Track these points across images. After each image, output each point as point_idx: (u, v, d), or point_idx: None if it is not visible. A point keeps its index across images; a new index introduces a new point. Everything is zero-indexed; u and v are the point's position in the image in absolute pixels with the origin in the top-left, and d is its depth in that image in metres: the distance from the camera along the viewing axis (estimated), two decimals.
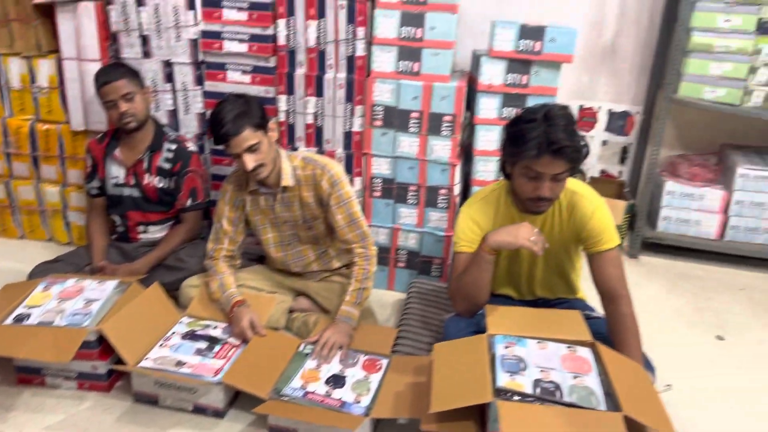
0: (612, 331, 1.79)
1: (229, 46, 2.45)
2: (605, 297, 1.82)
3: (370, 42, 2.36)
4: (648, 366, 1.77)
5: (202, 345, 1.99)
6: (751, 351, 2.34)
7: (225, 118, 1.96)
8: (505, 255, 1.95)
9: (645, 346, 1.80)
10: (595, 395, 1.47)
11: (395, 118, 2.42)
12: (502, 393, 1.47)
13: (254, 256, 2.61)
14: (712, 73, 2.77)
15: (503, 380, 1.51)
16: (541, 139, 1.62)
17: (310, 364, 1.94)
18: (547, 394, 1.47)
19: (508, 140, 1.76)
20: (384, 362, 1.98)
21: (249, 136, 1.98)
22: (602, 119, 3.26)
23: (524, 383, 1.50)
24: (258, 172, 2.04)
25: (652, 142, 3.07)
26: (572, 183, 1.87)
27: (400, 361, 1.99)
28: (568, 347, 1.63)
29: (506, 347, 1.63)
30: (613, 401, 1.46)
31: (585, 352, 1.62)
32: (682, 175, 3.05)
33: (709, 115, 3.01)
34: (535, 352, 1.61)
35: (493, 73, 2.34)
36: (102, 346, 1.90)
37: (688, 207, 3.00)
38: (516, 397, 1.46)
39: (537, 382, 1.50)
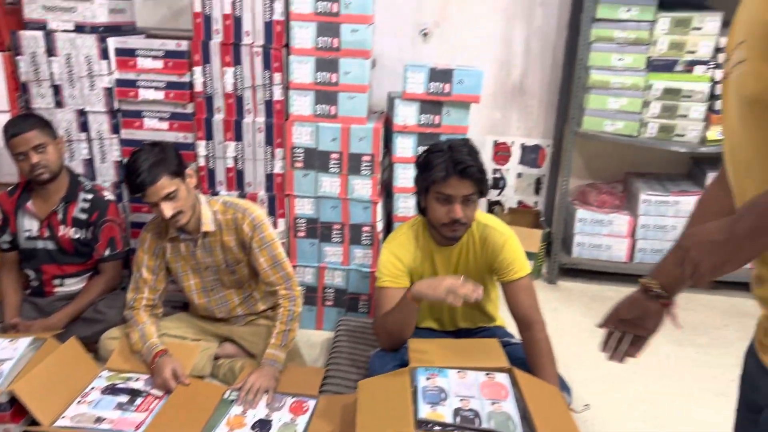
0: (529, 355, 1.87)
1: (145, 93, 2.45)
2: (520, 323, 1.91)
3: (287, 87, 2.41)
4: (564, 387, 1.86)
5: (123, 399, 1.94)
6: (660, 365, 2.48)
7: (140, 168, 1.95)
8: None
9: (563, 367, 1.90)
10: (512, 419, 1.54)
11: (316, 160, 2.47)
12: (423, 424, 1.51)
13: (178, 304, 2.58)
14: (611, 107, 2.99)
15: (424, 411, 1.55)
16: (447, 163, 1.80)
17: (236, 410, 1.93)
18: (466, 422, 1.53)
19: (419, 170, 1.91)
20: (311, 403, 1.99)
21: (166, 184, 1.98)
22: (516, 153, 3.43)
23: (444, 413, 1.55)
24: (177, 220, 2.04)
25: (562, 173, 3.25)
26: (483, 216, 2.00)
27: (327, 400, 2.00)
28: (487, 374, 1.70)
29: (428, 378, 1.67)
30: (528, 425, 1.52)
31: (503, 378, 1.69)
32: (591, 202, 3.23)
33: (611, 146, 3.23)
34: (455, 382, 1.67)
35: (407, 114, 2.44)
36: (14, 408, 1.81)
37: (599, 233, 3.18)
38: (437, 428, 1.50)
39: (457, 411, 1.55)
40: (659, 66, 2.92)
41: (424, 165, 1.87)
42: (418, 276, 1.99)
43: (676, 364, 2.51)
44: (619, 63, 2.93)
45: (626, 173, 3.42)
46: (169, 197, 1.99)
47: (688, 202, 3.08)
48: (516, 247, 1.95)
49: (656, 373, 2.43)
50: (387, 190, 2.72)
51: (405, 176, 2.52)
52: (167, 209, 1.99)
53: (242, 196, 2.54)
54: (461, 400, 1.59)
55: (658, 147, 3.02)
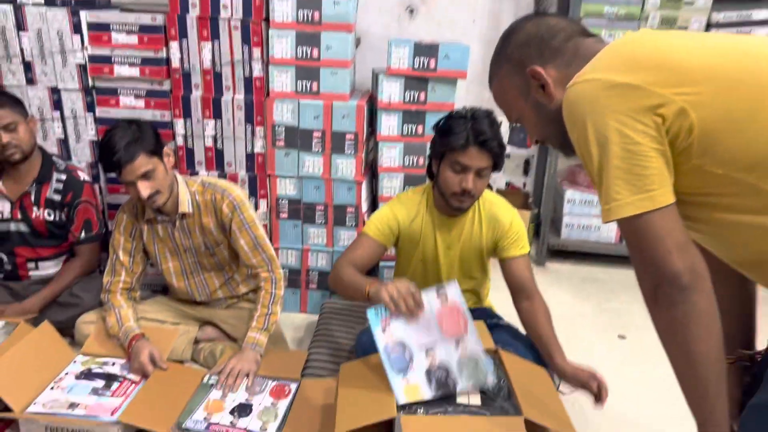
0: (532, 323, 1.86)
1: (120, 70, 2.36)
2: (522, 295, 1.90)
3: (267, 62, 2.34)
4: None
5: (99, 384, 1.88)
6: (650, 348, 2.44)
7: (117, 145, 1.88)
8: (419, 259, 1.99)
9: None
10: (480, 361, 1.50)
11: (297, 138, 2.40)
12: (406, 408, 1.46)
13: (157, 288, 2.51)
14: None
15: (400, 386, 1.50)
16: (469, 132, 1.75)
17: (215, 394, 1.87)
18: (443, 387, 1.50)
19: (437, 135, 1.85)
20: (293, 387, 1.94)
21: (143, 162, 1.90)
22: (505, 133, 3.36)
23: (418, 381, 1.50)
24: (154, 200, 1.97)
25: (551, 153, 3.20)
26: (490, 194, 2.00)
27: (309, 384, 1.95)
28: (437, 293, 1.56)
29: (383, 331, 1.56)
30: (513, 405, 1.48)
31: (454, 295, 1.56)
32: (580, 183, 3.18)
33: None
34: (412, 327, 1.55)
35: (391, 91, 2.37)
36: None
37: (588, 213, 3.14)
38: (420, 410, 1.46)
39: (429, 375, 1.50)
40: None
41: (443, 130, 1.82)
42: (411, 239, 1.96)
43: None
44: (609, 39, 2.86)
45: None
46: (146, 176, 1.92)
47: None
48: (522, 224, 1.97)
49: (652, 357, 2.40)
50: (372, 170, 2.66)
51: (390, 155, 2.45)
52: (144, 189, 1.92)
53: (222, 176, 2.47)
54: (426, 353, 1.53)
55: None
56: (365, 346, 1.83)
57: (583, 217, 3.14)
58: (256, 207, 2.51)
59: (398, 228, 1.95)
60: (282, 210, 2.51)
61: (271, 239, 2.43)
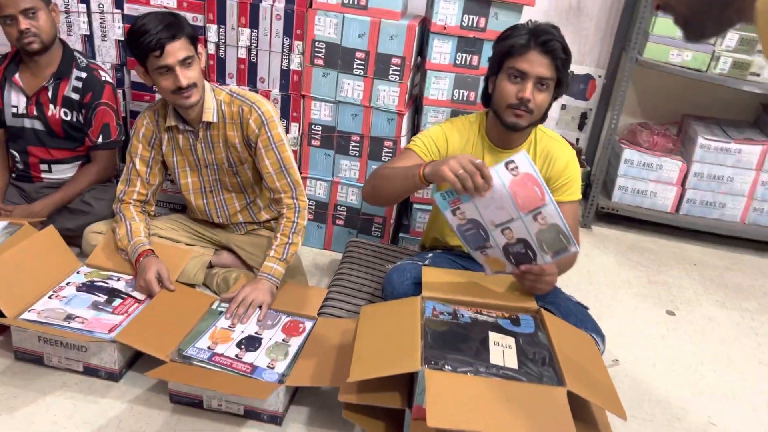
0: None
1: None
2: None
3: None
4: (598, 333, 1.63)
5: (101, 298, 1.74)
6: (700, 327, 2.22)
7: (154, 27, 1.69)
8: None
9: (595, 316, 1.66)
10: (561, 227, 1.40)
11: (338, 57, 2.17)
12: (431, 362, 1.28)
13: (177, 206, 2.36)
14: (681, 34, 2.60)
15: (481, 260, 1.53)
16: (530, 35, 1.60)
17: (224, 323, 1.72)
18: (521, 259, 1.47)
19: (495, 45, 1.69)
20: (308, 325, 1.77)
21: (184, 46, 1.73)
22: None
23: (497, 256, 1.49)
24: (189, 94, 1.77)
25: (612, 108, 2.91)
26: (549, 130, 1.81)
27: (326, 324, 1.79)
28: (506, 167, 1.37)
29: (454, 213, 1.45)
30: (555, 372, 1.29)
31: (525, 165, 1.38)
32: (641, 143, 2.90)
33: (673, 81, 2.87)
34: (483, 204, 1.41)
35: (448, 13, 2.11)
36: None
37: (646, 177, 2.86)
38: (447, 366, 1.27)
39: (507, 251, 1.47)
40: None
41: (502, 37, 1.66)
42: None
43: (719, 327, 2.24)
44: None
45: (684, 115, 3.07)
46: (185, 63, 1.73)
47: (752, 152, 2.74)
48: (578, 167, 1.78)
49: (695, 334, 2.18)
50: (416, 103, 2.43)
51: (438, 87, 2.21)
52: (183, 76, 1.73)
53: (253, 92, 2.26)
54: (503, 229, 1.43)
55: (727, 86, 2.65)
56: (395, 286, 1.66)
57: (640, 180, 2.87)
58: (287, 131, 2.31)
59: (447, 151, 1.74)
60: (314, 137, 2.31)
61: (300, 168, 2.24)
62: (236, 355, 1.59)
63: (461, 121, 1.81)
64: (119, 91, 2.25)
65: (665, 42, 2.63)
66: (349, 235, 2.43)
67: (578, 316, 1.65)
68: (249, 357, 1.59)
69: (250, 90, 2.26)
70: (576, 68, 3.04)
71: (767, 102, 2.97)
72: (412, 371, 1.28)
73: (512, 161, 1.37)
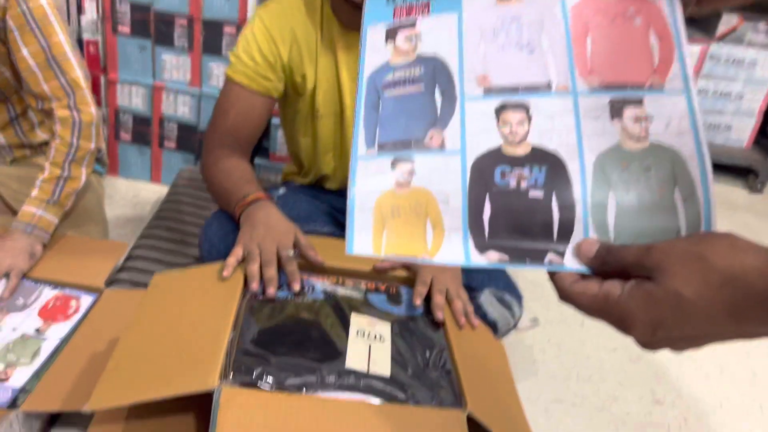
0: None
1: None
2: None
3: None
4: (513, 293, 1.12)
5: None
6: None
7: None
8: (330, 112, 1.19)
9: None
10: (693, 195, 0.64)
11: None
12: (234, 373, 0.72)
13: None
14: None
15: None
16: None
17: None
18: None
19: None
20: (86, 301, 1.15)
21: None
22: None
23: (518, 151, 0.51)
24: None
25: None
26: None
27: (116, 298, 1.17)
28: None
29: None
30: (452, 389, 0.77)
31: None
32: None
33: None
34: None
35: None
36: None
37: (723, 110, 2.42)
38: (268, 380, 0.71)
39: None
40: None
41: None
42: (299, 77, 1.15)
43: None
44: None
45: None
46: None
47: None
48: None
49: None
50: None
51: None
52: None
53: None
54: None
55: None
56: (213, 241, 1.09)
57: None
58: (80, 10, 1.60)
59: (275, 58, 1.12)
60: (122, 21, 1.61)
61: (103, 67, 1.56)
62: None
63: (284, 2, 1.14)
64: None
65: None
66: (183, 162, 1.79)
67: (486, 270, 1.13)
68: None
69: None
70: None
71: None
72: (201, 391, 0.71)
73: None
